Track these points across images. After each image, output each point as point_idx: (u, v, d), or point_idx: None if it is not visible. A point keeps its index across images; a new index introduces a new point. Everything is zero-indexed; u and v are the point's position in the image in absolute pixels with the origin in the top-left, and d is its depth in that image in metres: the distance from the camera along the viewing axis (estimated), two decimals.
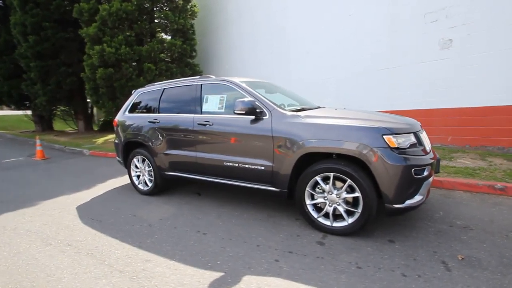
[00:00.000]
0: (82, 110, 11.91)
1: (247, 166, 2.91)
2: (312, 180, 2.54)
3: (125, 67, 8.30)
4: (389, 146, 2.25)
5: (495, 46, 4.86)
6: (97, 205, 3.65)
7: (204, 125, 3.17)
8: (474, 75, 5.15)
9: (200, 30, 10.67)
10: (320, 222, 2.57)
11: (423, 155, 2.40)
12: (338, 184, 2.49)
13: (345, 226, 2.46)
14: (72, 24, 10.46)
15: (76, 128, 12.41)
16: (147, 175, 3.92)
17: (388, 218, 2.76)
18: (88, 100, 11.58)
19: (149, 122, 3.72)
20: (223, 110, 3.16)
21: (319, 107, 3.43)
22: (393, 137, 2.27)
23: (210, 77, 3.44)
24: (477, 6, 5.00)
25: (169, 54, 9.34)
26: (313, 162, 2.59)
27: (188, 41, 9.68)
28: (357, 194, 2.36)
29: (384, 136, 2.26)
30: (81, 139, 10.30)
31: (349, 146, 2.33)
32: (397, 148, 2.26)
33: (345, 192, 2.43)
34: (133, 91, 4.37)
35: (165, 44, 8.90)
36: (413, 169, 2.25)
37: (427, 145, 2.56)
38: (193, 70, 10.09)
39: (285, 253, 2.27)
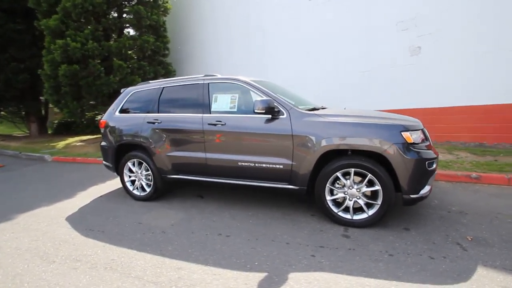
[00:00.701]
0: (35, 112, 10.55)
1: (264, 165, 2.90)
2: (333, 176, 2.65)
3: (92, 64, 7.59)
4: (406, 142, 2.45)
5: (457, 53, 5.56)
6: (90, 215, 3.29)
7: (215, 125, 3.08)
8: (439, 79, 5.83)
9: (171, 28, 10.26)
10: (341, 216, 2.68)
11: (430, 150, 2.66)
12: (356, 179, 2.63)
13: (365, 218, 2.60)
14: (22, 15, 9.23)
15: (27, 132, 10.96)
16: (144, 180, 3.66)
17: (391, 209, 2.99)
18: (42, 100, 10.31)
19: (148, 122, 3.48)
20: (235, 110, 3.11)
21: (323, 107, 3.56)
22: (409, 133, 2.48)
23: (216, 75, 3.35)
24: (442, 17, 5.66)
25: (136, 50, 8.73)
26: (327, 160, 2.69)
27: (160, 39, 9.24)
28: (377, 187, 2.52)
29: (402, 133, 2.46)
30: (36, 144, 9.13)
31: (372, 143, 2.48)
32: (413, 144, 2.48)
33: (365, 186, 2.58)
34: (122, 90, 4.05)
35: (137, 41, 8.36)
36: (426, 162, 2.49)
37: (431, 141, 2.84)
38: (166, 70, 9.66)
39: (317, 248, 2.33)
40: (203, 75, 3.41)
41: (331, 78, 7.27)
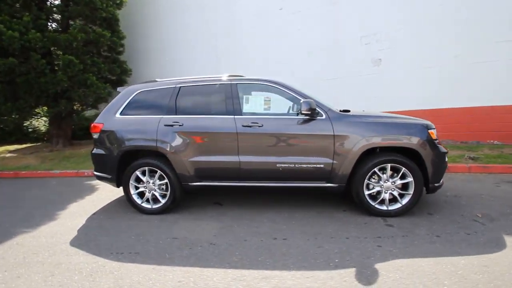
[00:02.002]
0: None
1: (304, 165, 2.94)
2: (371, 171, 2.87)
3: (35, 58, 6.25)
4: (431, 138, 2.86)
5: (413, 65, 6.63)
6: (101, 237, 2.75)
7: (251, 126, 2.98)
8: (395, 86, 6.85)
9: (125, 24, 9.27)
10: (378, 208, 2.92)
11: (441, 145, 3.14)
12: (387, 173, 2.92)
13: (400, 207, 2.89)
14: None
15: None
16: (158, 190, 3.24)
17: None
18: None
19: (166, 125, 3.11)
20: (269, 111, 3.07)
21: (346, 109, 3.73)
22: (432, 130, 2.89)
23: (242, 76, 3.25)
24: (396, 36, 6.68)
25: (90, 45, 7.58)
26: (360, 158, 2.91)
27: (116, 34, 8.26)
28: (410, 179, 2.84)
29: (428, 130, 2.86)
30: None
31: (408, 140, 2.80)
32: (435, 139, 2.90)
33: (399, 179, 2.89)
34: (120, 89, 3.52)
35: (90, 34, 7.26)
36: (444, 155, 2.94)
37: None
38: (122, 68, 8.69)
39: (376, 239, 2.49)
40: (226, 75, 3.26)
41: (300, 85, 7.70)
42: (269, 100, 3.10)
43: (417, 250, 2.28)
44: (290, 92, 3.06)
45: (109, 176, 3.33)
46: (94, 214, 3.40)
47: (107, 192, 4.28)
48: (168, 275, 2.07)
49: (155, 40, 9.80)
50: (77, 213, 3.44)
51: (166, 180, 3.18)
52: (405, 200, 2.90)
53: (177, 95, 3.23)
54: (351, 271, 2.03)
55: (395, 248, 2.32)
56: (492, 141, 6.18)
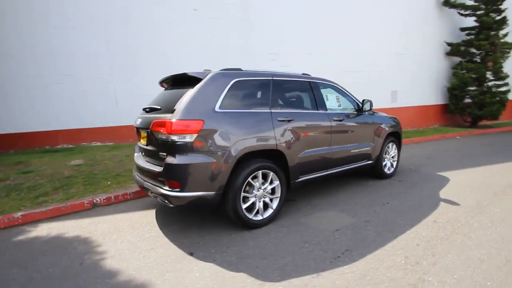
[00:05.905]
0: None
1: (363, 149, 3.87)
2: (385, 149, 4.31)
3: None
4: (400, 126, 4.76)
5: None
6: (270, 260, 2.14)
7: (338, 120, 3.43)
8: None
9: None
10: (386, 173, 4.37)
11: None
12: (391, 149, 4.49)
13: (393, 170, 4.54)
14: None
15: None
16: (268, 196, 2.79)
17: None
18: None
19: (280, 121, 2.79)
20: (341, 108, 3.66)
21: None
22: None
23: (309, 75, 3.57)
24: (294, 54, 8.70)
25: None
26: None
27: None
28: (396, 151, 4.57)
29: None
30: None
31: (398, 127, 4.49)
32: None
33: (393, 152, 4.53)
34: (199, 74, 2.55)
35: None
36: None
37: None
38: None
39: (411, 189, 3.92)
40: (301, 73, 3.44)
41: None
42: (339, 98, 3.68)
43: (435, 186, 3.94)
44: (346, 92, 3.83)
45: (211, 193, 2.39)
46: (192, 254, 2.27)
47: (117, 233, 2.69)
48: (400, 253, 2.32)
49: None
50: (160, 262, 2.13)
51: (277, 182, 2.83)
52: (394, 164, 4.59)
53: (273, 88, 2.95)
54: (446, 204, 3.29)
55: (428, 189, 3.87)
56: None
